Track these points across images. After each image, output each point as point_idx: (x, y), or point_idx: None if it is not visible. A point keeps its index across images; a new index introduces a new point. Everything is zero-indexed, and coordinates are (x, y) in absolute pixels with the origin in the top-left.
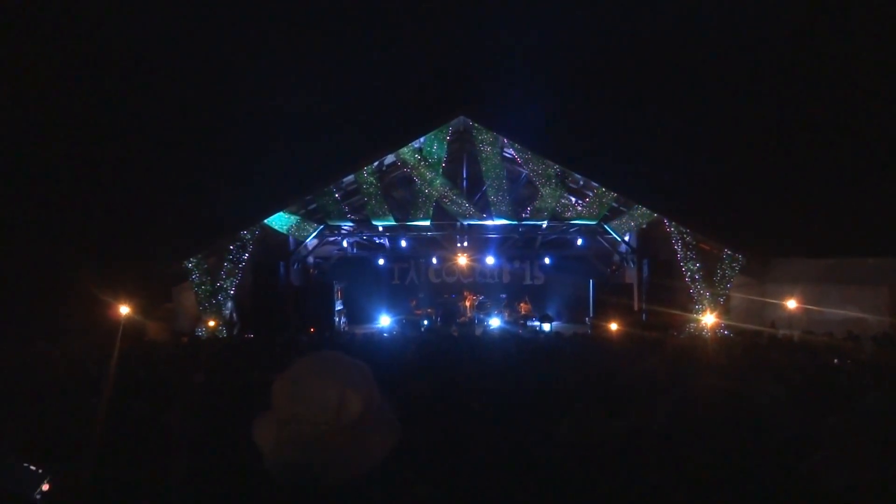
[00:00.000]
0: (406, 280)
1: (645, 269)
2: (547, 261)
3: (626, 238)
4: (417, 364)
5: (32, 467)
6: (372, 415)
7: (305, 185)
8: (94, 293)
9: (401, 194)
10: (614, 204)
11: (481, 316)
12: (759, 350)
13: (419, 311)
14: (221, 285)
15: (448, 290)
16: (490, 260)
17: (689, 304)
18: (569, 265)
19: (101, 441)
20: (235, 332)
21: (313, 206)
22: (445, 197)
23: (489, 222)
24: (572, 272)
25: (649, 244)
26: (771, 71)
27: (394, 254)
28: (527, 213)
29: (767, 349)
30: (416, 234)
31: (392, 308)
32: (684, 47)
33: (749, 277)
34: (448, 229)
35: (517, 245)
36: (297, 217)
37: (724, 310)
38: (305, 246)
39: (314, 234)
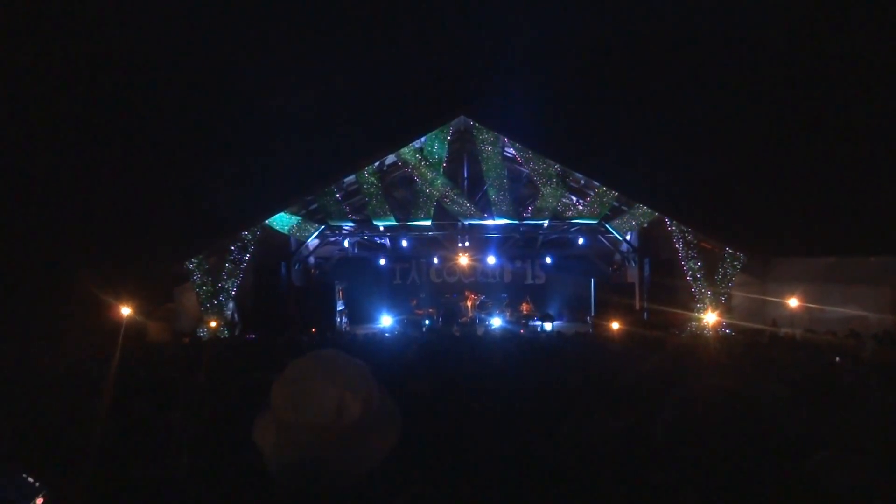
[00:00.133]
0: (407, 280)
1: (646, 268)
2: (548, 260)
3: (628, 237)
4: (419, 364)
5: (30, 479)
6: (372, 414)
7: (306, 185)
8: (95, 294)
9: (402, 194)
10: (615, 203)
11: (482, 316)
12: (760, 349)
13: (420, 311)
14: (223, 286)
15: (449, 289)
16: (491, 259)
17: (690, 303)
18: (570, 264)
19: (101, 442)
20: (237, 332)
21: (314, 206)
22: (446, 197)
23: (490, 222)
24: (573, 271)
25: (650, 243)
26: (772, 70)
27: (395, 254)
28: (528, 213)
29: (769, 348)
30: (417, 234)
31: (393, 308)
32: (685, 46)
33: (750, 276)
34: (449, 229)
35: (518, 245)
36: (299, 217)
37: (726, 309)
38: (307, 246)
39: (315, 234)
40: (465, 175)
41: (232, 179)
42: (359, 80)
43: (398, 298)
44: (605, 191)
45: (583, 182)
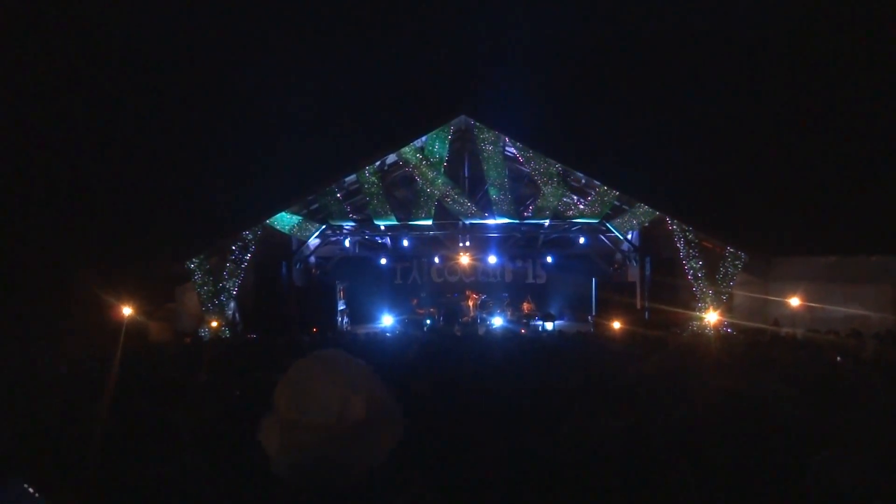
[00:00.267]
0: (408, 280)
1: (647, 267)
2: (549, 259)
3: (629, 236)
4: (420, 364)
5: (30, 489)
6: (375, 414)
7: (307, 184)
8: (96, 294)
9: (403, 194)
10: (616, 202)
11: (484, 315)
12: (762, 348)
13: (421, 311)
14: (224, 285)
15: (450, 289)
16: (492, 259)
17: (691, 303)
18: (571, 264)
19: (103, 442)
20: (238, 332)
21: (315, 205)
22: (447, 196)
23: (491, 221)
24: (574, 271)
25: (651, 242)
26: (773, 70)
27: (396, 253)
28: (529, 212)
29: (771, 347)
30: (418, 234)
31: (394, 308)
32: (686, 46)
33: (752, 275)
34: (450, 228)
35: (519, 244)
36: (300, 217)
37: (727, 308)
38: (308, 246)
39: (316, 233)
40: (466, 174)
41: (233, 179)
42: (360, 80)
43: (399, 298)
44: (606, 190)
45: (584, 181)
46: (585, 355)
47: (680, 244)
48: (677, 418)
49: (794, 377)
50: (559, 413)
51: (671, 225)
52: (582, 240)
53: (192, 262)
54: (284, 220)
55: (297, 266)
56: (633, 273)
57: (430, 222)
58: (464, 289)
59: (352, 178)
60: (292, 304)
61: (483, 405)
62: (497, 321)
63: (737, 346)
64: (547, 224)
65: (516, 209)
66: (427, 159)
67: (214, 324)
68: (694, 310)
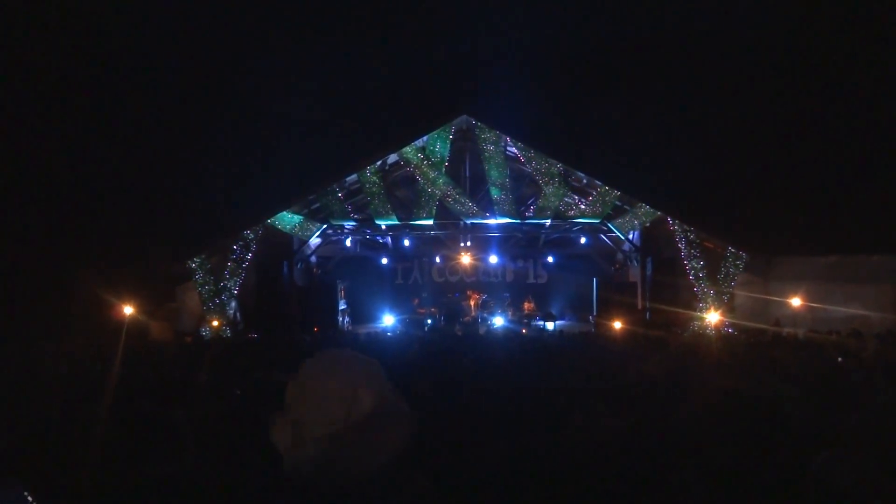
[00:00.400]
0: (409, 279)
1: (648, 267)
2: (550, 259)
3: (630, 236)
4: (421, 363)
5: (29, 497)
6: (385, 411)
7: (309, 184)
8: (97, 293)
9: (404, 193)
10: (617, 202)
11: (485, 315)
12: (763, 348)
13: (422, 311)
14: (225, 285)
15: (451, 289)
16: (493, 259)
17: (692, 302)
18: (572, 264)
19: (104, 442)
20: (239, 331)
21: (316, 205)
22: (448, 196)
23: (492, 221)
24: (576, 271)
25: (653, 242)
26: (774, 69)
27: (397, 253)
28: (530, 212)
29: (772, 347)
30: (419, 234)
31: (395, 307)
32: (687, 45)
33: (753, 275)
34: (451, 228)
35: (520, 244)
36: (301, 216)
37: (728, 308)
38: (309, 245)
39: (317, 233)
40: (468, 174)
41: (234, 178)
42: (361, 79)
43: (400, 298)
44: (608, 190)
45: (585, 181)
46: (587, 355)
47: (681, 244)
48: (678, 418)
49: (795, 377)
50: (560, 413)
51: (672, 225)
52: (583, 240)
53: (194, 262)
54: (286, 220)
55: (299, 265)
56: (635, 273)
57: (431, 222)
58: (465, 289)
59: (353, 177)
60: (293, 303)
61: (484, 405)
62: (498, 321)
63: (738, 347)
64: (548, 224)
65: (517, 209)
66: (428, 159)
67: (215, 323)
68: (695, 310)
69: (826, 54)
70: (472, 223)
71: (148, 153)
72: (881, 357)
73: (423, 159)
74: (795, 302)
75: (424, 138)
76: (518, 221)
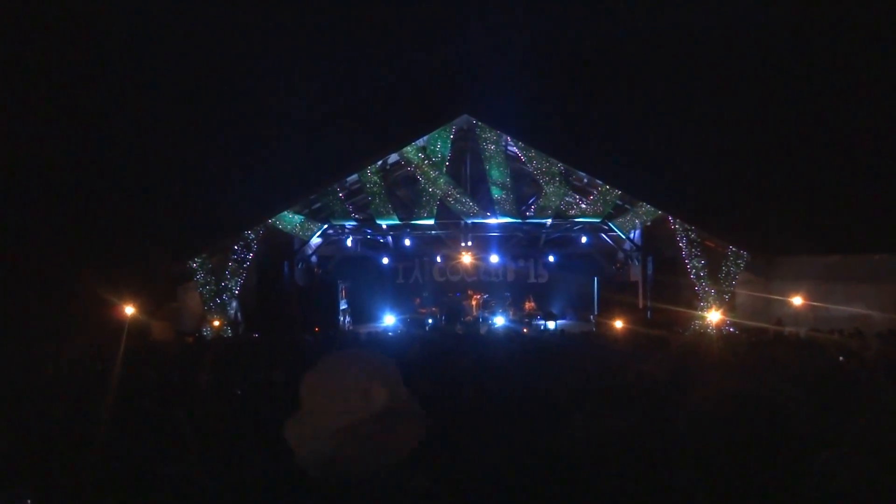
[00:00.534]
0: (410, 279)
1: (649, 266)
2: (551, 259)
3: (631, 235)
4: (422, 363)
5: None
6: (398, 407)
7: (310, 184)
8: (98, 294)
9: (405, 193)
10: (618, 202)
11: (486, 314)
12: (764, 347)
13: (424, 310)
14: (226, 285)
15: (452, 288)
16: (494, 258)
17: (693, 302)
18: (573, 263)
19: (105, 441)
20: (240, 331)
21: (317, 205)
22: (449, 196)
23: (493, 221)
24: (577, 270)
25: (654, 241)
26: (776, 69)
27: (398, 253)
28: (531, 212)
29: (773, 346)
30: (420, 233)
31: (396, 307)
32: (688, 45)
33: (754, 275)
34: (452, 228)
35: (521, 243)
36: (302, 216)
37: (730, 307)
38: (310, 245)
39: (318, 233)
40: (468, 174)
41: (235, 179)
42: (362, 79)
43: (401, 297)
44: (608, 189)
45: (586, 180)
46: (588, 355)
47: (682, 243)
48: (679, 418)
49: (796, 377)
50: (562, 413)
51: (673, 224)
52: (584, 239)
53: (195, 262)
54: (287, 220)
55: (300, 265)
56: (636, 272)
57: (432, 222)
58: (466, 288)
59: (354, 177)
60: (294, 303)
61: (485, 405)
62: (499, 321)
63: (739, 346)
64: (549, 223)
65: (518, 209)
66: (429, 159)
67: (217, 323)
68: (696, 309)
69: (827, 55)
70: (472, 223)
71: (149, 153)
72: (883, 357)
73: (423, 159)
74: (797, 301)
75: (425, 138)
76: (519, 221)
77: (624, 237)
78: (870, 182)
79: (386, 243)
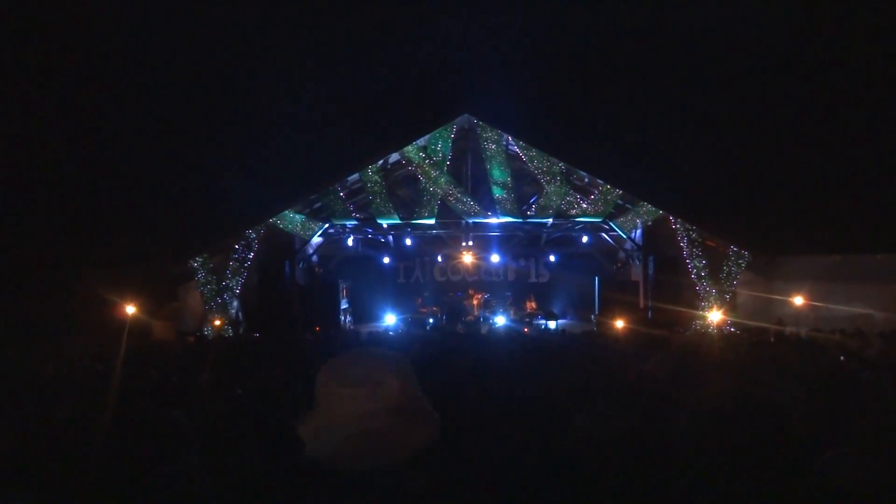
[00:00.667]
0: (411, 278)
1: (650, 266)
2: (552, 258)
3: (632, 235)
4: (423, 363)
5: None
6: (412, 405)
7: (311, 183)
8: (99, 293)
9: (405, 193)
10: (619, 201)
11: (487, 314)
12: (766, 347)
13: (425, 310)
14: (227, 284)
15: (453, 288)
16: (495, 258)
17: (695, 301)
18: (574, 263)
19: (106, 441)
20: (241, 331)
21: (318, 204)
22: (450, 195)
23: (494, 220)
24: (578, 270)
25: (655, 241)
26: (777, 68)
27: (399, 252)
28: (532, 211)
29: (774, 346)
30: (421, 233)
31: (397, 306)
32: (690, 45)
33: (755, 274)
34: (453, 227)
35: (522, 243)
36: (303, 216)
37: (731, 307)
38: (311, 245)
39: (319, 232)
40: (469, 173)
41: (236, 178)
42: (363, 79)
43: (402, 297)
44: (610, 189)
45: (587, 180)
46: (589, 354)
47: (683, 243)
48: (681, 418)
49: (797, 376)
50: (563, 413)
51: (674, 224)
52: (585, 238)
53: (196, 261)
54: (288, 219)
55: (300, 265)
56: (637, 272)
57: (433, 221)
58: (467, 288)
59: (355, 176)
60: (295, 302)
61: (486, 404)
62: (500, 320)
63: (740, 346)
64: (550, 223)
65: (519, 208)
66: (430, 158)
67: (218, 323)
68: (697, 309)
69: (828, 54)
70: (473, 222)
71: (150, 153)
72: (884, 356)
73: (424, 158)
74: (798, 301)
75: (426, 137)
76: (520, 220)
77: (625, 237)
78: (870, 182)
79: (387, 243)
